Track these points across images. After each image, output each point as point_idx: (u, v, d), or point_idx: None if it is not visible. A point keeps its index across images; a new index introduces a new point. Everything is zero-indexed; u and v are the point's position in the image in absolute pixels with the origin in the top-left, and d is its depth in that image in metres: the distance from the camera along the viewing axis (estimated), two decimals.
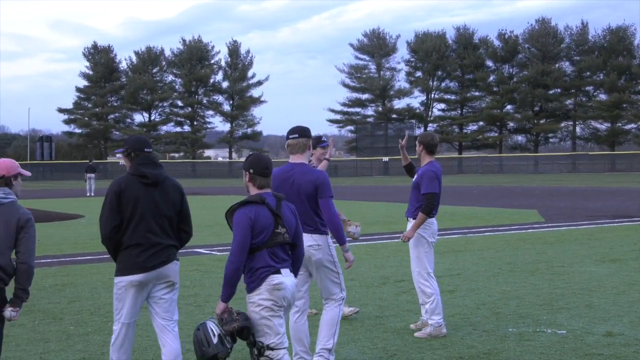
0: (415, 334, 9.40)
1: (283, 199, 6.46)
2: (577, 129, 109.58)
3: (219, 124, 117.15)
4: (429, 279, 9.61)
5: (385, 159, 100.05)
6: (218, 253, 17.59)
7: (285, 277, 6.29)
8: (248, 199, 6.34)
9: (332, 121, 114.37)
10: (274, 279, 6.25)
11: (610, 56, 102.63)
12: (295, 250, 6.48)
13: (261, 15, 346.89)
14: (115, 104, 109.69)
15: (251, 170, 6.45)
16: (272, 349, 6.21)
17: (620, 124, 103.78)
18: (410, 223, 9.64)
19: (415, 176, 9.87)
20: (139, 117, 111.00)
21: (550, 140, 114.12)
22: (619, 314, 10.20)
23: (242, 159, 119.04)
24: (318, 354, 7.80)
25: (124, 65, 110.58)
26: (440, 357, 8.35)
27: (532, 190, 49.55)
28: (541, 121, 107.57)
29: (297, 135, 7.68)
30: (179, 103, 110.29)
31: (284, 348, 6.26)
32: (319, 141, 9.80)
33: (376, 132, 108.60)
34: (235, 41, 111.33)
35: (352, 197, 44.10)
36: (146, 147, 6.97)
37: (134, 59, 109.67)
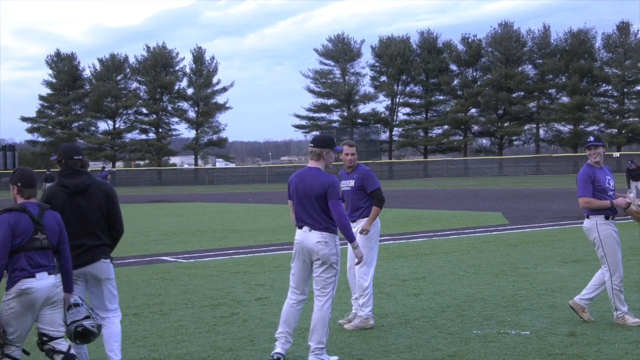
0: (345, 326, 10.04)
1: (47, 208, 7.15)
2: (541, 131, 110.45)
3: (184, 131, 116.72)
4: (370, 274, 10.32)
5: None
6: (184, 261, 17.50)
7: (39, 281, 6.86)
8: (10, 206, 7.00)
9: (297, 127, 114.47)
10: (24, 283, 6.81)
11: (572, 59, 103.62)
12: (59, 256, 7.16)
13: (227, 21, 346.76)
14: (79, 112, 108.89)
15: (19, 184, 7.16)
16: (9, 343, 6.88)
17: (582, 126, 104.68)
18: (359, 224, 10.34)
19: (351, 181, 10.49)
20: (103, 125, 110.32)
21: (514, 142, 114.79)
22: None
23: (209, 166, 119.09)
24: (313, 352, 8.29)
25: (87, 72, 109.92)
26: None
27: (497, 192, 49.86)
28: (505, 124, 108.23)
29: (312, 145, 8.55)
30: (144, 110, 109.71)
31: (20, 344, 6.94)
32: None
33: (342, 137, 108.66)
34: (199, 47, 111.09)
35: None
36: (75, 155, 7.66)
37: (98, 66, 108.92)
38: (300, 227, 8.42)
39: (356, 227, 10.27)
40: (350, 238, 8.41)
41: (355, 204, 10.45)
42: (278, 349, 8.44)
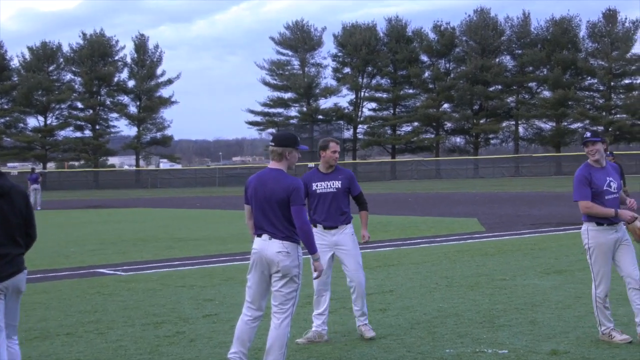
0: (297, 340, 10.29)
1: None
2: (520, 129, 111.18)
3: (125, 128, 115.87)
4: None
5: (311, 164, 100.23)
6: (124, 273, 17.41)
7: None
8: None
9: (251, 123, 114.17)
10: None
11: (554, 49, 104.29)
12: None
13: (173, 6, 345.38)
14: (5, 106, 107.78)
15: None
16: None
17: (565, 123, 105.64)
18: (347, 229, 10.71)
19: (336, 182, 10.66)
20: (33, 121, 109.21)
21: (491, 141, 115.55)
22: (565, 330, 10.35)
23: (152, 167, 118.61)
24: None
25: (15, 62, 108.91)
26: None
27: (472, 196, 50.16)
28: (481, 121, 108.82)
29: (273, 144, 8.51)
30: (79, 105, 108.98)
31: None
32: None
33: (301, 135, 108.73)
34: (142, 35, 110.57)
35: None
36: None
37: (27, 55, 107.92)
38: (259, 235, 8.37)
39: (341, 233, 10.63)
40: (313, 249, 8.38)
41: (340, 208, 10.64)
42: None
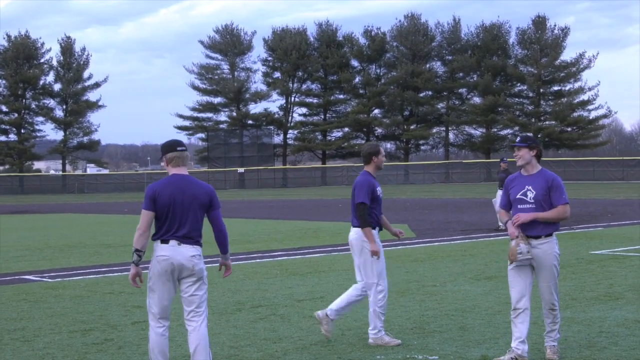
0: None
1: None
2: (450, 135, 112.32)
3: (51, 132, 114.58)
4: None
5: (241, 170, 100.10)
6: (50, 280, 17.21)
7: None
8: None
9: (180, 128, 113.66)
10: None
11: (484, 56, 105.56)
12: None
13: (101, 8, 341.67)
14: None
15: None
16: None
17: (495, 130, 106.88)
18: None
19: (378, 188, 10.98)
20: None
21: (422, 147, 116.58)
22: (495, 336, 10.48)
23: (79, 172, 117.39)
24: None
25: None
26: None
27: (403, 202, 50.44)
28: (411, 127, 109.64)
29: (184, 148, 8.63)
30: (3, 108, 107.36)
31: None
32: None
33: (230, 140, 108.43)
34: (69, 37, 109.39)
35: None
36: None
37: None
38: (166, 242, 8.34)
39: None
40: (227, 249, 8.73)
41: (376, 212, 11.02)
42: None
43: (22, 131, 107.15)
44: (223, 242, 8.58)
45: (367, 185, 10.60)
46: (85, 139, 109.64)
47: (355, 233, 10.81)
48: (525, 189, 9.26)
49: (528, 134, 9.52)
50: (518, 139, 9.54)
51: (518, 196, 9.29)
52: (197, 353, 8.32)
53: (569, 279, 15.47)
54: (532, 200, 9.19)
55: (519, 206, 9.26)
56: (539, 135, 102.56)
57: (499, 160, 29.34)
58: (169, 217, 8.35)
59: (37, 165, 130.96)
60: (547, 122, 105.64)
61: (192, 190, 8.41)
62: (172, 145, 8.57)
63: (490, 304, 12.86)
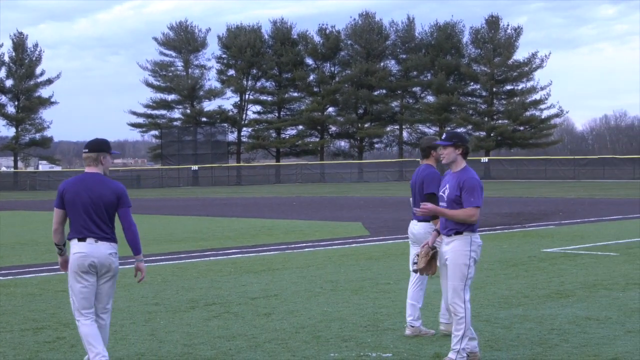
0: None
1: None
2: (404, 133, 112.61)
3: (2, 129, 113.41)
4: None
5: (195, 167, 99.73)
6: (1, 278, 17.06)
7: None
8: None
9: (134, 125, 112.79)
10: None
11: (438, 55, 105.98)
12: None
13: (54, 4, 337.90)
14: None
15: None
16: None
17: (449, 128, 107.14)
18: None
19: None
20: None
21: (376, 146, 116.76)
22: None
23: (31, 169, 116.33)
24: None
25: None
26: None
27: (357, 200, 50.57)
28: (366, 125, 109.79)
29: (87, 150, 8.81)
30: None
31: None
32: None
33: (184, 138, 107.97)
34: (21, 33, 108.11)
35: (157, 210, 43.71)
36: None
37: None
38: (83, 239, 8.55)
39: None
40: (138, 250, 8.78)
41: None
42: None
43: None
44: (133, 241, 8.67)
45: (438, 177, 10.52)
46: (38, 135, 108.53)
47: (421, 228, 10.73)
48: (445, 187, 9.37)
49: (456, 130, 9.34)
50: (443, 136, 9.47)
51: (440, 193, 9.46)
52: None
53: (521, 277, 15.62)
54: (446, 199, 9.27)
55: (440, 203, 9.37)
56: (491, 134, 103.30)
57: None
58: (75, 215, 8.60)
59: None
60: (499, 121, 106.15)
61: (99, 189, 8.60)
62: (85, 146, 8.88)
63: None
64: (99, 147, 8.79)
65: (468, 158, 9.47)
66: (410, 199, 11.07)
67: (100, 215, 8.55)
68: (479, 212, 9.07)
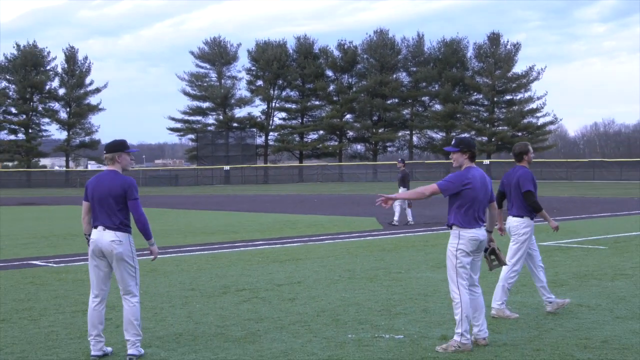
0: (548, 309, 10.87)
1: None
2: (414, 138, 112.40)
3: (56, 132, 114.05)
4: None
5: (227, 167, 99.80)
6: (55, 265, 17.10)
7: None
8: None
9: (172, 129, 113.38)
10: None
11: (445, 68, 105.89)
12: None
13: (102, 21, 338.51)
14: None
15: None
16: None
17: (454, 134, 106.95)
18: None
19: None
20: None
21: (388, 149, 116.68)
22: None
23: (80, 168, 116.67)
24: (134, 345, 8.75)
25: None
26: None
27: (371, 198, 50.42)
28: (379, 130, 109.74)
29: (105, 152, 9.03)
30: (13, 110, 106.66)
31: None
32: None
33: (217, 141, 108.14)
34: (72, 47, 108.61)
35: (192, 206, 43.82)
36: None
37: None
38: (96, 227, 8.81)
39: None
40: (148, 235, 8.93)
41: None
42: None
43: (30, 131, 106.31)
44: (142, 229, 8.81)
45: (531, 177, 11.12)
46: (87, 138, 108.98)
47: (515, 221, 11.20)
48: None
49: (465, 137, 9.27)
50: (452, 142, 9.51)
51: None
52: (128, 327, 8.79)
53: None
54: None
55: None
56: (492, 139, 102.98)
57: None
58: (94, 206, 8.87)
59: (43, 161, 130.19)
60: (500, 128, 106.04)
61: (109, 184, 8.77)
62: (104, 148, 9.06)
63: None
64: (114, 148, 8.95)
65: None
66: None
67: (109, 207, 8.73)
68: (433, 191, 9.32)
